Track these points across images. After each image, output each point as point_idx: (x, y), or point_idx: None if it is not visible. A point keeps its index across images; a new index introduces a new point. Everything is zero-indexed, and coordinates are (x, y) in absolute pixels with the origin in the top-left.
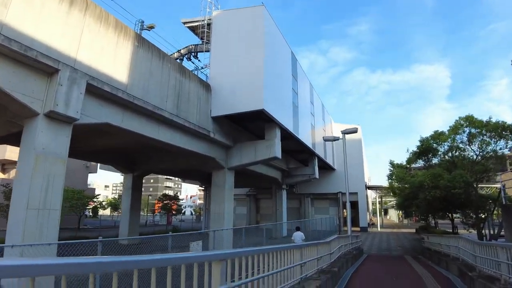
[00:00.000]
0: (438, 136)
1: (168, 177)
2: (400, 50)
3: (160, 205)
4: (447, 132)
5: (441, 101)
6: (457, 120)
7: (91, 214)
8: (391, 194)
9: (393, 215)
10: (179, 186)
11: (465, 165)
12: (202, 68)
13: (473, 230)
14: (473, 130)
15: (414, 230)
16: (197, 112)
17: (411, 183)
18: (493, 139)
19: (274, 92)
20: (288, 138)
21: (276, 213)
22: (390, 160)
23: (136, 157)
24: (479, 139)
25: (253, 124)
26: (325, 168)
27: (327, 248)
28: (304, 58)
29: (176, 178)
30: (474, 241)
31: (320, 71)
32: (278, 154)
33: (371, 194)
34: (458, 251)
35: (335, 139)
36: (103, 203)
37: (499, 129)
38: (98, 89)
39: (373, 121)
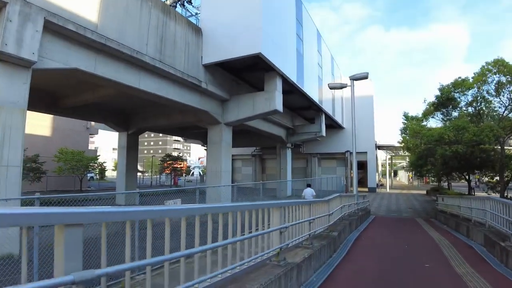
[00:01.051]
0: (461, 84)
1: (176, 138)
2: (417, 8)
3: (164, 165)
4: (471, 80)
5: (457, 62)
6: (483, 66)
7: (97, 176)
8: (403, 152)
9: (403, 177)
10: (188, 148)
11: (492, 119)
12: (197, 14)
13: (493, 193)
14: (502, 79)
15: (424, 192)
16: (185, 59)
17: (428, 136)
18: None
19: (274, 36)
20: (292, 92)
21: (280, 172)
22: (404, 112)
23: (130, 114)
24: (509, 89)
25: (251, 74)
26: (333, 126)
27: (324, 208)
28: (316, 15)
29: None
30: (511, 203)
31: (332, 28)
32: (279, 107)
33: (381, 156)
34: (485, 215)
35: (343, 86)
36: (111, 165)
37: None
38: (61, 28)
39: (386, 81)
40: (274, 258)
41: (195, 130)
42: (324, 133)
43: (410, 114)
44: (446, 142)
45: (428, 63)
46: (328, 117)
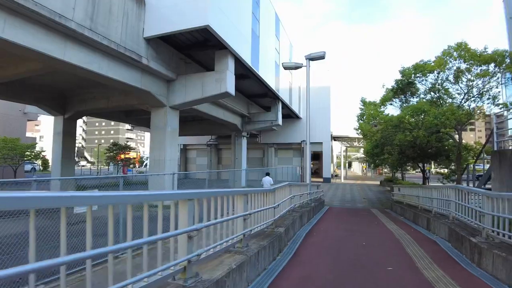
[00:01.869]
0: (422, 66)
1: (129, 128)
2: (378, 5)
3: (111, 155)
4: (433, 63)
5: (420, 55)
6: (445, 50)
7: (40, 167)
8: (358, 143)
9: (357, 168)
10: (142, 138)
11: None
12: None
13: (448, 183)
14: (462, 66)
15: (378, 183)
16: (123, 30)
17: (387, 121)
18: (484, 78)
19: (226, 10)
20: (247, 77)
21: (235, 162)
22: (362, 98)
23: (66, 97)
24: (467, 77)
25: (202, 53)
26: (290, 116)
27: (269, 200)
28: (279, 7)
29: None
30: (485, 192)
31: (296, 21)
32: (231, 89)
33: (337, 147)
34: (449, 206)
35: (297, 66)
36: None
37: (496, 61)
38: None
39: (346, 74)
40: (180, 274)
41: (143, 116)
42: (280, 122)
43: (368, 100)
44: (406, 127)
45: (390, 57)
46: (285, 106)
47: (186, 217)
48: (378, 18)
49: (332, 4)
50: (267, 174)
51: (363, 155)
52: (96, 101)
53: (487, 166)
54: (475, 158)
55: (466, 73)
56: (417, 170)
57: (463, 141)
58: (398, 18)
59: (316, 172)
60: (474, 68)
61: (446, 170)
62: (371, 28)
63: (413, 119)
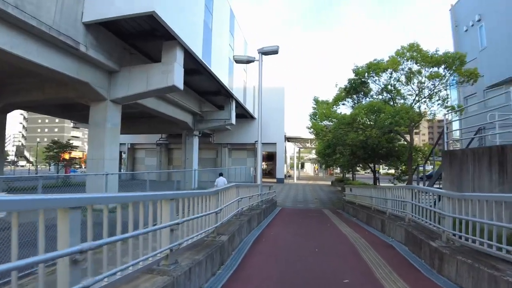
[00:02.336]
0: (376, 65)
1: (76, 126)
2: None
3: (51, 154)
4: (386, 63)
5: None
6: (398, 50)
7: None
8: (311, 143)
9: (309, 169)
10: None
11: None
12: None
13: (399, 183)
14: (414, 67)
15: (329, 183)
16: (57, 11)
17: (340, 119)
18: (434, 80)
19: None
20: (199, 72)
21: (185, 162)
22: (314, 97)
23: None
24: (418, 79)
25: (149, 44)
26: (245, 116)
27: (212, 204)
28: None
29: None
30: (447, 193)
31: (250, 23)
32: (178, 82)
33: (290, 149)
34: (405, 208)
35: (250, 59)
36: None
37: (447, 63)
38: None
39: (300, 80)
40: None
41: (87, 112)
42: (234, 121)
43: (320, 99)
44: (359, 126)
45: (344, 62)
46: (239, 105)
47: (67, 235)
48: (333, 24)
49: (288, 9)
50: (221, 174)
51: (315, 156)
52: (29, 92)
53: (432, 167)
54: (423, 159)
55: (418, 75)
56: (366, 171)
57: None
58: (352, 26)
59: (270, 173)
60: (425, 70)
61: (394, 171)
62: (327, 34)
63: (367, 118)
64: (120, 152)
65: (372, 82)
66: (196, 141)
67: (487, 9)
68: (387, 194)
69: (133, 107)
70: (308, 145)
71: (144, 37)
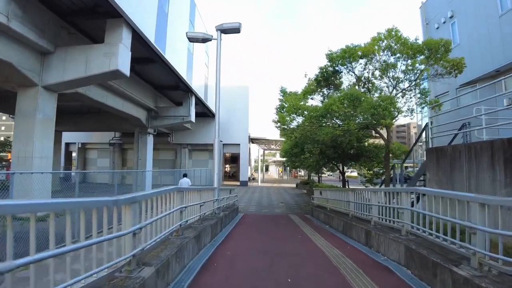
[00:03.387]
0: (353, 50)
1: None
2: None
3: None
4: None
5: None
6: (375, 37)
7: None
8: (275, 145)
9: (274, 171)
10: None
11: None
12: None
13: (370, 186)
14: (391, 59)
15: (294, 185)
16: None
17: (312, 111)
18: (414, 72)
19: None
20: (153, 61)
21: (138, 163)
22: (281, 87)
23: None
24: (394, 71)
25: (92, 23)
26: (207, 115)
27: (126, 218)
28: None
29: None
30: (475, 197)
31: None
32: (124, 67)
33: (254, 152)
34: (402, 217)
35: (206, 38)
36: None
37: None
38: None
39: (265, 81)
40: None
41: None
42: (193, 119)
43: (289, 90)
44: (336, 117)
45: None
46: (200, 102)
47: None
48: (301, 27)
49: (254, 9)
50: (185, 175)
51: (280, 159)
52: None
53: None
54: (394, 159)
55: (400, 63)
56: (329, 173)
57: (382, 142)
58: (321, 29)
59: (234, 176)
60: (403, 60)
61: (356, 173)
62: (295, 37)
63: (344, 108)
64: (71, 152)
65: (346, 72)
66: (150, 139)
67: (460, 5)
68: (371, 198)
69: (77, 98)
70: (273, 146)
71: (85, 15)
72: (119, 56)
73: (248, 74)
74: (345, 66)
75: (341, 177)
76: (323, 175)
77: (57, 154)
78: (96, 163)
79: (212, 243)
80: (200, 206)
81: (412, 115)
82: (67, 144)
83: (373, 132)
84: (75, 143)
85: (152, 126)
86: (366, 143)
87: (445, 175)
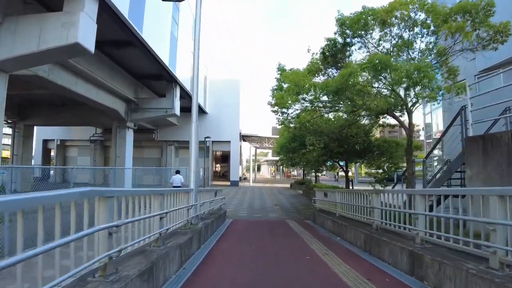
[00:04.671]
0: (374, 12)
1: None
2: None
3: None
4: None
5: None
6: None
7: None
8: (270, 145)
9: (266, 171)
10: None
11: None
12: None
13: (380, 186)
14: (422, 16)
15: (288, 185)
16: None
17: (322, 87)
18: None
19: None
20: (131, 44)
21: (116, 161)
22: (279, 65)
23: None
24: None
25: None
26: None
27: None
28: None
29: None
30: None
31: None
32: (86, 41)
33: (246, 152)
34: (492, 237)
35: None
36: None
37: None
38: None
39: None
40: None
41: None
42: (177, 111)
43: (288, 68)
44: (356, 92)
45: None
46: (187, 96)
47: None
48: (301, 26)
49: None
50: (177, 172)
51: (272, 158)
52: None
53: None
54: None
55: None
56: (323, 173)
57: (390, 137)
58: (320, 28)
59: (225, 175)
60: (428, 35)
61: (350, 173)
62: (294, 36)
63: (370, 77)
64: (49, 150)
65: (357, 48)
66: (130, 134)
67: None
68: (418, 205)
69: (42, 85)
70: (266, 144)
71: None
72: (80, 27)
73: (240, 68)
74: (359, 38)
75: (336, 177)
76: (318, 174)
77: (27, 150)
78: (76, 161)
79: (179, 274)
80: (161, 218)
81: (442, 98)
82: (45, 141)
83: (388, 119)
84: (53, 140)
85: (132, 120)
86: (372, 137)
87: (497, 170)
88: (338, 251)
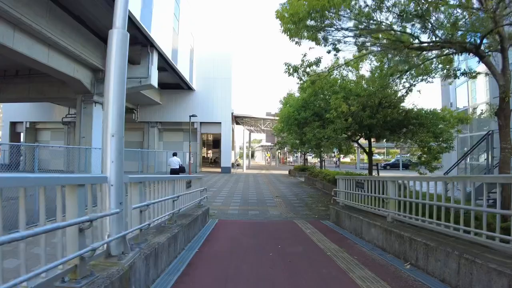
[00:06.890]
0: None
1: None
2: None
3: None
4: None
5: None
6: None
7: None
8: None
9: (260, 158)
10: None
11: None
12: None
13: (427, 171)
14: None
15: (286, 172)
16: None
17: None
18: None
19: None
20: None
21: (80, 142)
22: None
23: None
24: None
25: None
26: (180, 87)
27: None
28: None
29: None
30: None
31: None
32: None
33: (239, 139)
34: None
35: None
36: None
37: None
38: None
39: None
40: None
41: None
42: (154, 81)
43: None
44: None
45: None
46: (169, 67)
47: None
48: None
49: None
50: (174, 154)
51: (267, 144)
52: None
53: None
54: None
55: None
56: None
57: (423, 107)
58: None
59: (216, 161)
60: None
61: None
62: None
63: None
64: (18, 134)
65: None
66: (98, 110)
67: None
68: None
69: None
70: (261, 126)
71: None
72: None
73: (231, 38)
74: None
75: (337, 163)
76: (324, 158)
77: None
78: (49, 146)
79: None
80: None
81: None
82: (13, 124)
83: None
84: (22, 122)
85: (100, 93)
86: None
87: None
88: None
